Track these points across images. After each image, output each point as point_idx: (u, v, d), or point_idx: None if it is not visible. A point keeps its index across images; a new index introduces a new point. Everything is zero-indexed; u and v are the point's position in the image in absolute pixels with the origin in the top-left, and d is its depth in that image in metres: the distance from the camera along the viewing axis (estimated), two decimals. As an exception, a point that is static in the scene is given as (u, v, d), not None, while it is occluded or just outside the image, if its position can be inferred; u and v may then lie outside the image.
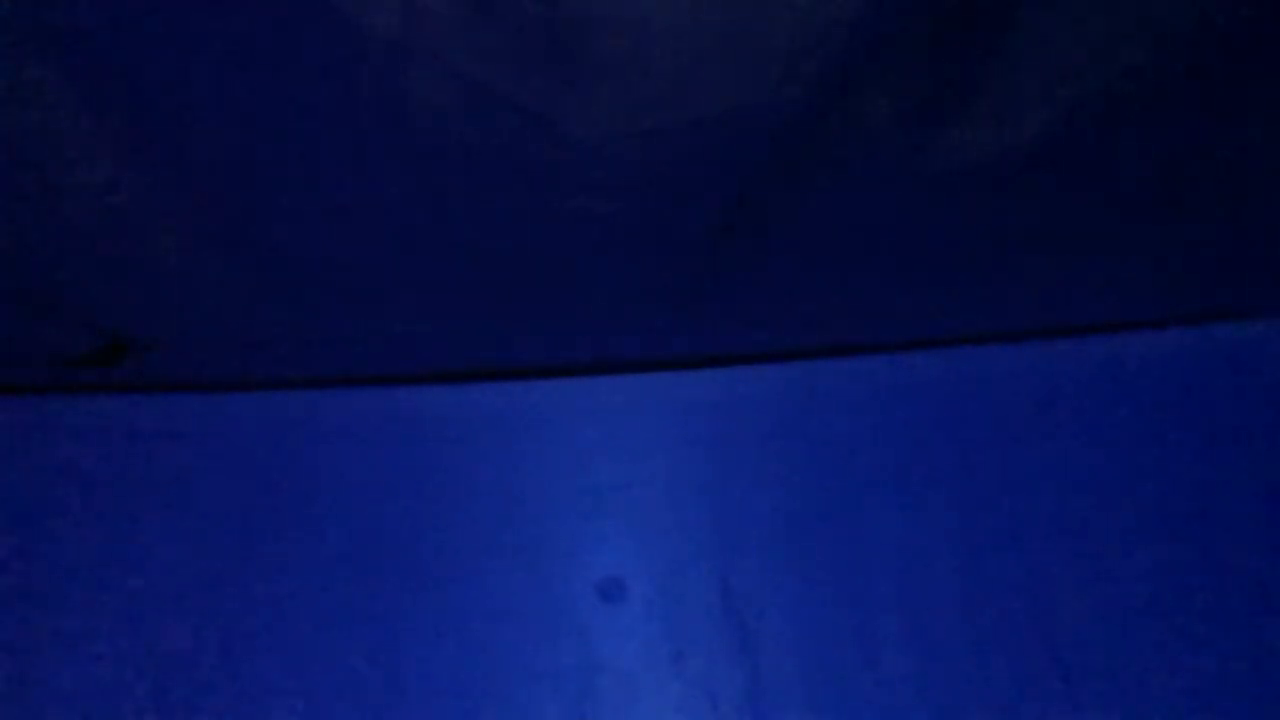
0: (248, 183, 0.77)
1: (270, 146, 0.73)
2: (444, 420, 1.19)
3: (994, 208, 0.87)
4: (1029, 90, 0.71)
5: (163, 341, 1.01)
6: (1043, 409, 1.21)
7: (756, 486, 1.20)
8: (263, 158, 0.74)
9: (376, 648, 1.12)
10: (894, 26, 0.63)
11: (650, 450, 1.19)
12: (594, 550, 1.17)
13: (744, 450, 1.21)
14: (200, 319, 0.98)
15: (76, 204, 0.76)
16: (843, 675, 1.14)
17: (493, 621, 1.14)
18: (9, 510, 1.13)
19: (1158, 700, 1.13)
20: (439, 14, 0.60)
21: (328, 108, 0.68)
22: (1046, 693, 1.14)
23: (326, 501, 1.18)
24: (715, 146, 0.72)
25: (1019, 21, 0.65)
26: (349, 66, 0.64)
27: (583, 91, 0.66)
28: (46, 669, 1.10)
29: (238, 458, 1.16)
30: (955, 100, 0.71)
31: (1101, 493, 1.20)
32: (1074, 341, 1.22)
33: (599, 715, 1.12)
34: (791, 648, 1.15)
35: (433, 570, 1.15)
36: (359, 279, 0.91)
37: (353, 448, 1.16)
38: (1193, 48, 0.67)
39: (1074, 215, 0.91)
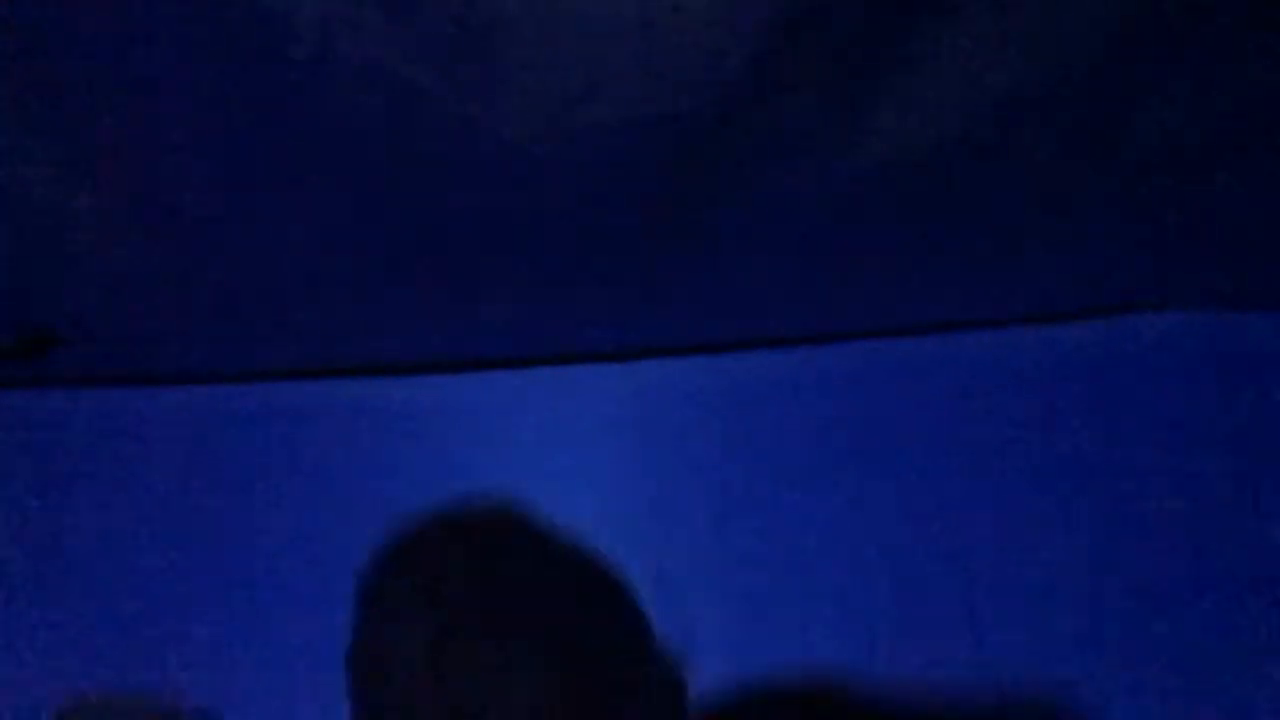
0: (169, 178, 0.76)
1: (191, 142, 0.72)
2: (376, 412, 1.19)
3: (915, 201, 0.89)
4: (948, 84, 0.72)
5: (83, 336, 1.00)
6: (967, 397, 1.24)
7: (688, 476, 1.21)
8: (184, 153, 0.73)
9: (315, 634, 1.12)
10: (813, 22, 0.63)
11: (581, 440, 1.20)
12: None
13: (675, 440, 1.21)
14: (121, 313, 0.97)
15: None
16: (776, 663, 1.16)
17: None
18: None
19: (1081, 675, 1.16)
20: (361, 13, 0.60)
21: (250, 102, 0.67)
22: (968, 665, 1.17)
23: (257, 497, 1.17)
24: (635, 145, 0.73)
25: (936, 18, 0.65)
26: (272, 60, 0.63)
27: (503, 91, 0.66)
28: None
29: (162, 451, 1.15)
30: (876, 94, 0.72)
31: (1028, 477, 1.22)
32: (995, 332, 1.24)
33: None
34: (724, 636, 1.16)
35: (369, 557, 1.14)
36: (282, 274, 0.90)
37: (276, 439, 1.16)
38: (1101, 43, 0.69)
39: (991, 208, 0.93)
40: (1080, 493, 1.22)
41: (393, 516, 1.14)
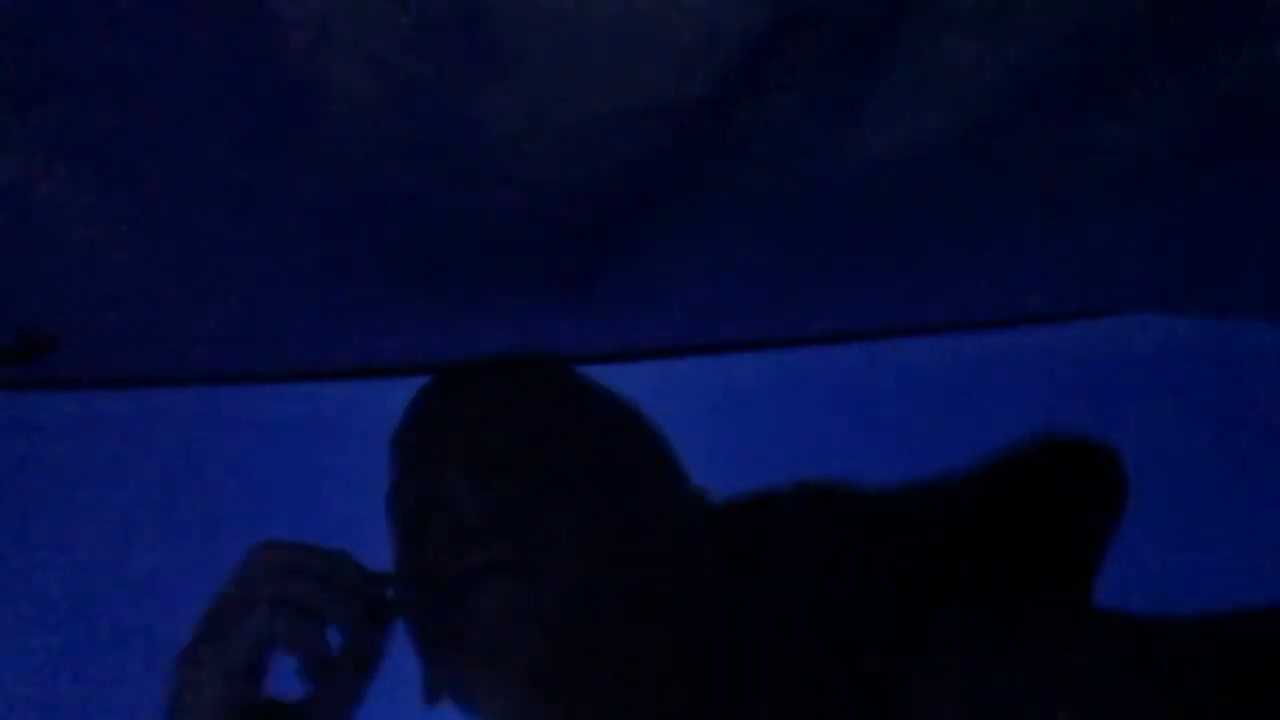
0: (160, 174, 0.76)
1: (182, 134, 0.71)
2: (374, 414, 1.19)
3: (913, 201, 0.89)
4: (947, 84, 0.72)
5: (75, 339, 1.00)
6: (965, 398, 1.24)
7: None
8: (175, 146, 0.73)
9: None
10: (808, 19, 0.64)
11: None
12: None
13: (674, 440, 1.21)
14: (114, 315, 0.97)
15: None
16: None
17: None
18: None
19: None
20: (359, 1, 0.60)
21: (243, 93, 0.67)
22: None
23: (255, 500, 1.17)
24: (623, 142, 0.73)
25: (934, 17, 0.66)
26: (267, 51, 0.63)
27: (497, 86, 0.66)
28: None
29: (158, 453, 1.15)
30: (863, 93, 0.72)
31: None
32: (994, 333, 1.25)
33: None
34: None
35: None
36: (272, 270, 0.90)
37: (274, 442, 1.16)
38: (1082, 47, 0.69)
39: (989, 208, 0.93)
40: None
41: (372, 520, 1.14)
